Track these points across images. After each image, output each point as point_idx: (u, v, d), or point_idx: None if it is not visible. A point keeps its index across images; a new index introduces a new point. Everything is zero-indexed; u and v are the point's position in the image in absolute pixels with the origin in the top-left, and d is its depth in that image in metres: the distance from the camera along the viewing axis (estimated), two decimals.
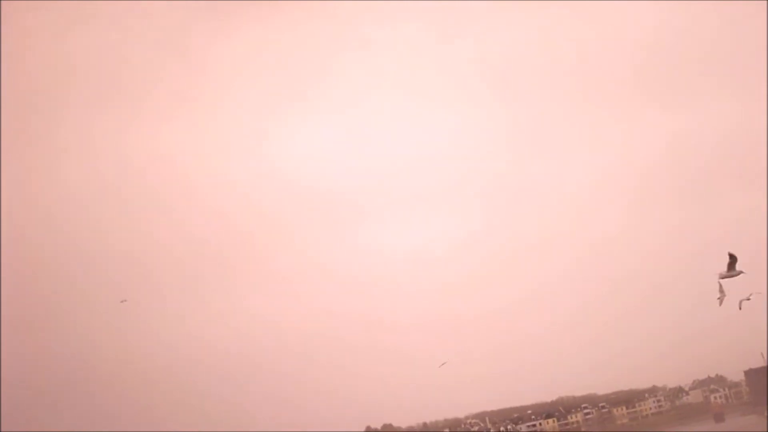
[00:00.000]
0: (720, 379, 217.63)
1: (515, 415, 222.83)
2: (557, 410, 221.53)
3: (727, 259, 58.26)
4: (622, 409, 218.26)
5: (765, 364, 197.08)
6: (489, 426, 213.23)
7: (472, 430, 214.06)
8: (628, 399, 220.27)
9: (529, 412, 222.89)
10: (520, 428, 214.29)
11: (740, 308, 63.18)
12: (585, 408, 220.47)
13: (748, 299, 65.73)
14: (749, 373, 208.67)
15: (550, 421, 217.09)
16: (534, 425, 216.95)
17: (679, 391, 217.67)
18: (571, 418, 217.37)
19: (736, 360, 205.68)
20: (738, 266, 60.42)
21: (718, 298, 59.90)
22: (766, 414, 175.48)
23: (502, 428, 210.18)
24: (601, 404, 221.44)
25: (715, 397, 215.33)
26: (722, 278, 60.33)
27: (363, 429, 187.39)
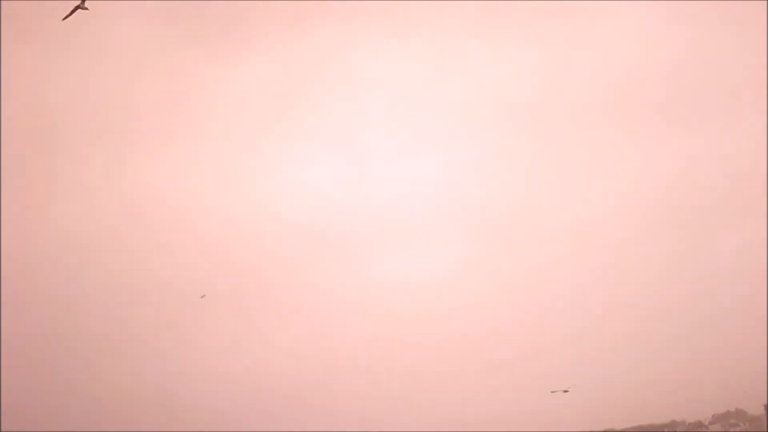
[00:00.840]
0: (740, 413, 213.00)
1: None
2: None
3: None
4: None
5: None
6: None
7: None
8: None
9: None
10: None
11: (551, 392, 59.57)
12: None
13: (565, 391, 62.46)
14: None
15: None
16: None
17: (698, 426, 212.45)
18: None
19: (756, 393, 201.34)
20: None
21: None
22: None
23: None
24: None
25: None
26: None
27: None
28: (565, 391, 61.01)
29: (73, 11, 42.14)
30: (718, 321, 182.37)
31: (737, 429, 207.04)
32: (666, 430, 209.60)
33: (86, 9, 42.53)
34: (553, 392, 62.12)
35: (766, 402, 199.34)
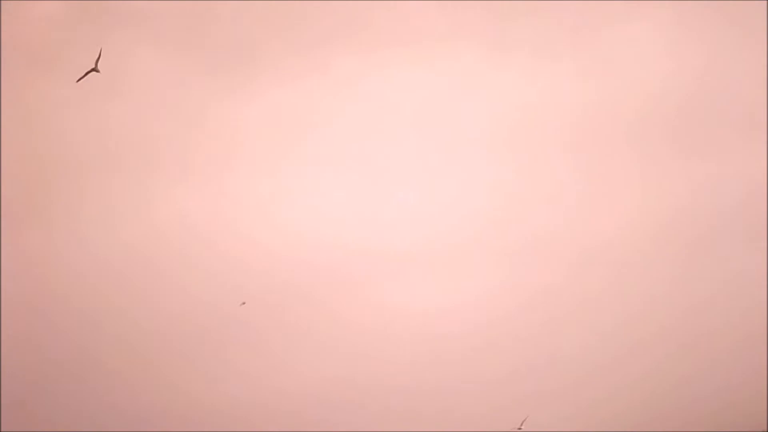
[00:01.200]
0: None
1: None
2: None
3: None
4: None
5: None
6: None
7: None
8: None
9: None
10: None
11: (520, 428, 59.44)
12: None
13: (520, 428, 62.61)
14: None
15: None
16: None
17: None
18: None
19: (760, 414, 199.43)
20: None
21: None
22: None
23: None
24: None
25: None
26: None
27: None
28: (520, 427, 60.36)
29: (86, 74, 43.62)
30: (719, 344, 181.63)
31: None
32: None
33: (98, 71, 44.10)
34: (518, 429, 61.38)
35: (766, 428, 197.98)
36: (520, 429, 57.70)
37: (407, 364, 60.25)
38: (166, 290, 62.86)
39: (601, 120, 74.83)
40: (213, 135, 66.63)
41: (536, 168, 71.98)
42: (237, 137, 67.43)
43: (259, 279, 61.76)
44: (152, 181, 64.19)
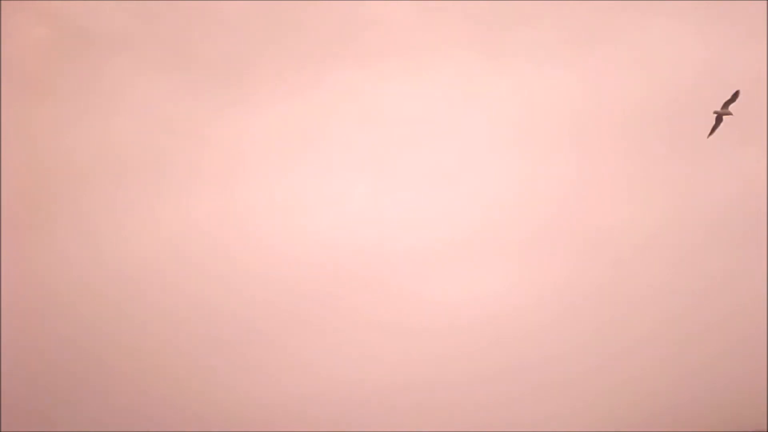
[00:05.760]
0: None
1: None
2: None
3: None
4: None
5: None
6: None
7: None
8: None
9: None
10: None
11: None
12: None
13: None
14: None
15: None
16: None
17: None
18: None
19: (760, 414, 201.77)
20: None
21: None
22: None
23: None
24: None
25: None
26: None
27: None
28: None
29: None
30: (728, 341, 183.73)
31: None
32: None
33: None
34: None
35: (766, 428, 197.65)
36: None
37: (424, 361, 60.57)
38: (178, 298, 63.26)
39: (604, 117, 75.35)
40: (216, 147, 67.36)
41: (543, 167, 72.26)
42: (240, 149, 68.19)
43: (271, 283, 62.19)
44: (157, 190, 64.82)
